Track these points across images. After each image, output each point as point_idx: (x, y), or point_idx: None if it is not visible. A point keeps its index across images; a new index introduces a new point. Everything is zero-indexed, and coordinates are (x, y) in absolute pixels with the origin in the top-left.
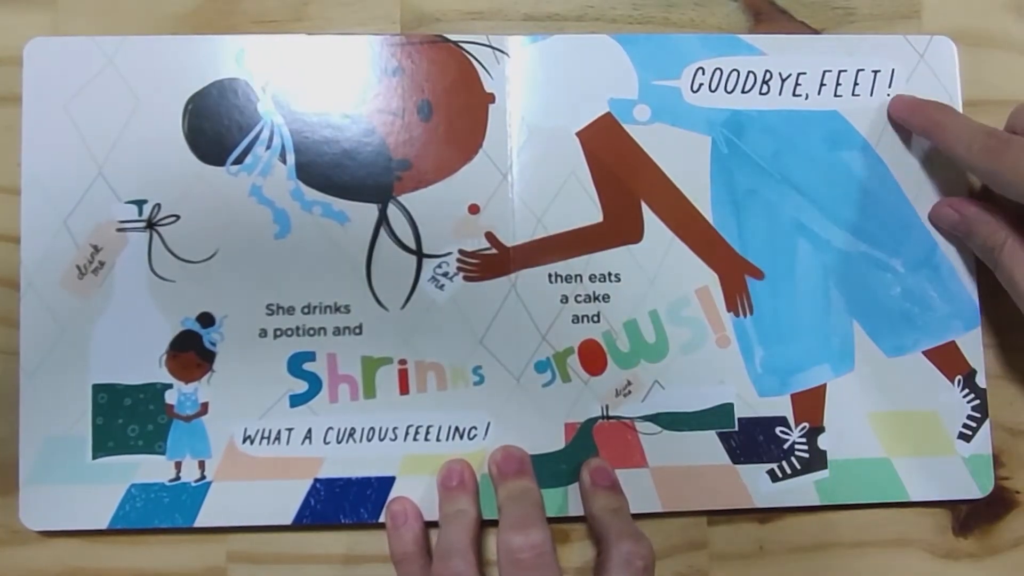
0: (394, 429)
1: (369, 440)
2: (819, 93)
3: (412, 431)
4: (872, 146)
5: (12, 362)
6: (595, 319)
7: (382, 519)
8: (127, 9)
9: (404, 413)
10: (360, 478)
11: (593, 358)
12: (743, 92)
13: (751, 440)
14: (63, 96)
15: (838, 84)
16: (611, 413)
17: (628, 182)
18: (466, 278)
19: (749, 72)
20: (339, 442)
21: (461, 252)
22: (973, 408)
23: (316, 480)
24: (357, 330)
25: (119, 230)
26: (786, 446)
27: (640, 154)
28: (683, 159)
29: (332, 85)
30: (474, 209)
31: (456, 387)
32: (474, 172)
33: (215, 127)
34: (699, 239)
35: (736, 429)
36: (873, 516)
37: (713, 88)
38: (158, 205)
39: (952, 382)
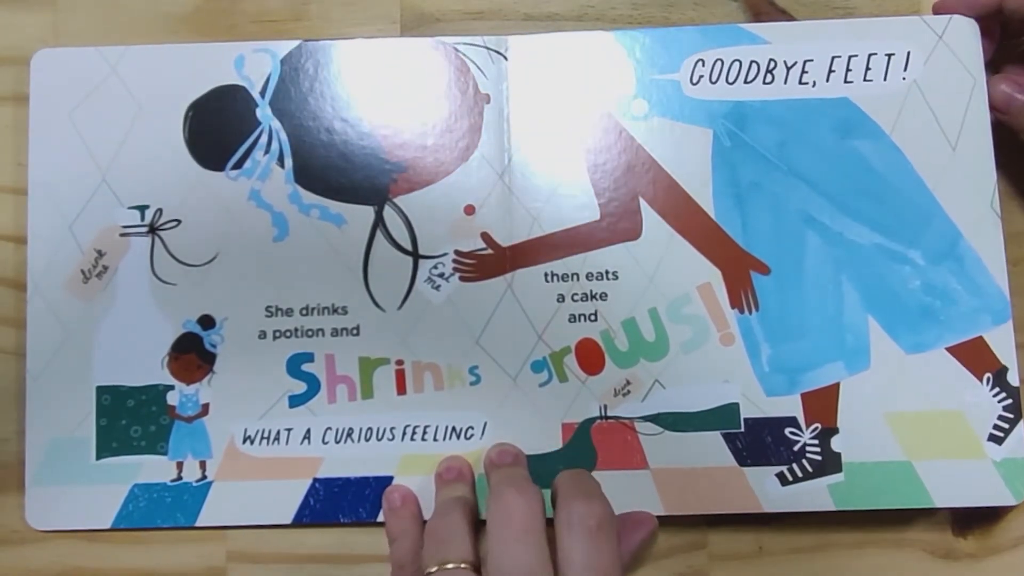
0: (392, 429)
1: (367, 440)
2: (828, 80)
3: (409, 431)
4: (887, 133)
5: (19, 362)
6: (592, 318)
7: (381, 518)
8: (127, 8)
9: (401, 413)
10: (359, 477)
11: (591, 357)
12: (745, 82)
13: (758, 441)
14: (68, 105)
15: (848, 70)
16: (610, 413)
17: (626, 179)
18: (462, 278)
19: (752, 62)
20: (338, 442)
21: (457, 252)
22: (1005, 408)
23: (315, 480)
24: (355, 331)
25: (122, 235)
26: (796, 448)
27: (638, 150)
28: (683, 153)
29: (328, 89)
30: (470, 210)
31: (453, 387)
32: (470, 173)
33: (215, 133)
34: (700, 234)
35: (742, 430)
36: (873, 516)
37: (714, 80)
38: (160, 210)
39: (980, 380)
